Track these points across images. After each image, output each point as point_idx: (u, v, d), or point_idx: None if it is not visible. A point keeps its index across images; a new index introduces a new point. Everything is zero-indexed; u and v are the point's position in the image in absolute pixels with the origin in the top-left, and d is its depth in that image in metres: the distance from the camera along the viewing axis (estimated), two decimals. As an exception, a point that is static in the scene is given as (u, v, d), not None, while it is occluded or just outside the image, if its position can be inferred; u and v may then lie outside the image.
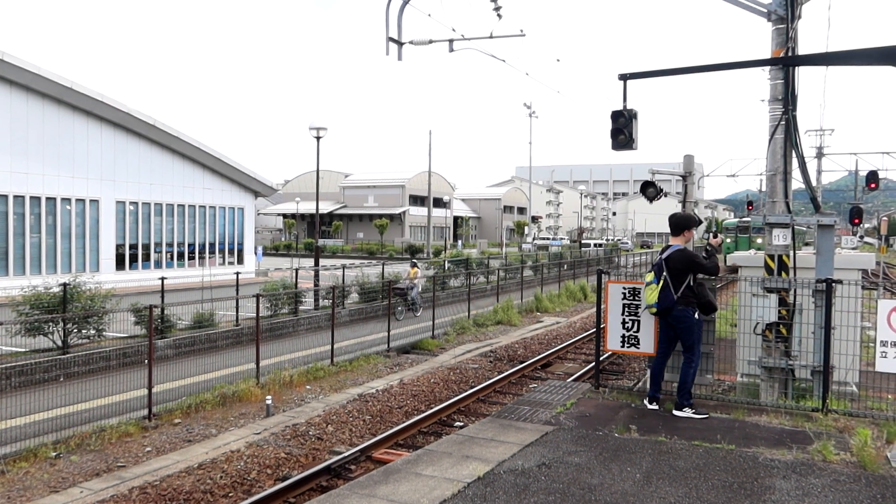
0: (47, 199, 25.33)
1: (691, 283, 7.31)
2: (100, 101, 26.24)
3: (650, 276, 7.62)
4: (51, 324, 13.29)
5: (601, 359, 9.64)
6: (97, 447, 9.08)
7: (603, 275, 8.73)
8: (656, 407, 7.70)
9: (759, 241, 38.19)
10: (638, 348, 8.24)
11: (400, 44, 13.30)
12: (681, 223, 7.63)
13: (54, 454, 8.73)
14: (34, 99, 24.65)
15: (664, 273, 7.34)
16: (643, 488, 5.34)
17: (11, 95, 23.89)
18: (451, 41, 14.37)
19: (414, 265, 22.09)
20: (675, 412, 7.42)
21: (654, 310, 7.51)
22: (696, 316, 7.35)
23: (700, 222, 8.13)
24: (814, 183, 15.14)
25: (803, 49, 8.66)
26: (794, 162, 8.82)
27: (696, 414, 7.35)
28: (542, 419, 7.34)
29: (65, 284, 13.99)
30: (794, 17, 8.44)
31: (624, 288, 8.27)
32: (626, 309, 8.22)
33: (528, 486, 5.40)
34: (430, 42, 14.27)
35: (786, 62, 8.48)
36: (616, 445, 6.40)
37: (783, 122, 8.63)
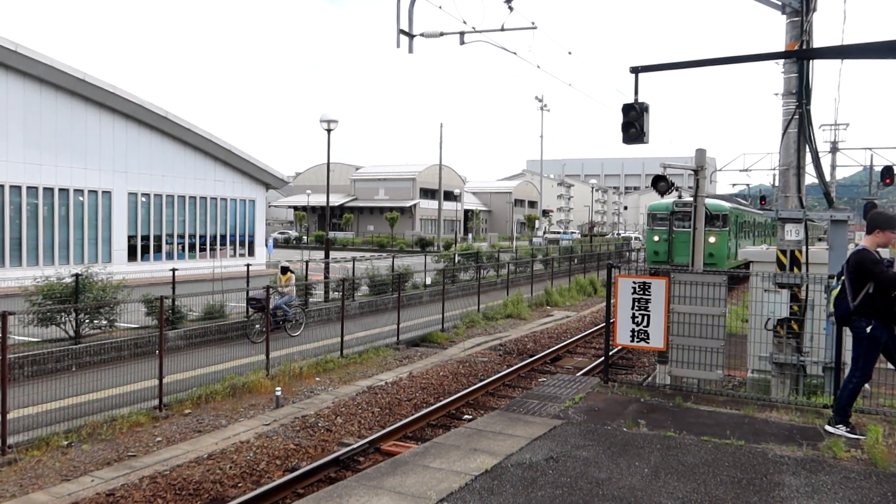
0: (60, 190, 25.50)
1: (870, 291, 6.27)
2: (112, 93, 26.36)
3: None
4: (63, 314, 13.39)
5: (611, 353, 9.61)
6: (108, 436, 9.15)
7: (613, 269, 8.70)
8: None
9: (712, 239, 25.28)
10: (648, 343, 8.21)
11: (411, 36, 13.27)
12: (874, 221, 6.55)
13: (66, 443, 8.81)
14: (47, 91, 24.78)
15: (843, 276, 6.50)
16: (651, 483, 5.32)
17: (25, 87, 24.03)
18: (462, 34, 14.30)
19: (286, 270, 17.09)
20: (827, 427, 6.60)
21: (833, 318, 6.70)
22: (870, 329, 6.27)
23: None
24: (827, 178, 15.00)
25: (818, 42, 8.59)
26: (808, 156, 8.75)
27: (851, 433, 6.39)
28: (550, 413, 7.33)
29: (77, 275, 14.08)
30: (808, 9, 8.35)
31: (634, 282, 8.22)
32: (636, 303, 8.18)
33: (536, 479, 5.39)
34: (441, 34, 14.22)
35: (800, 55, 8.40)
36: (624, 440, 6.39)
37: (797, 116, 8.55)
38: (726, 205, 27.80)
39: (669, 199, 24.42)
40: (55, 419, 9.31)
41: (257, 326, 15.17)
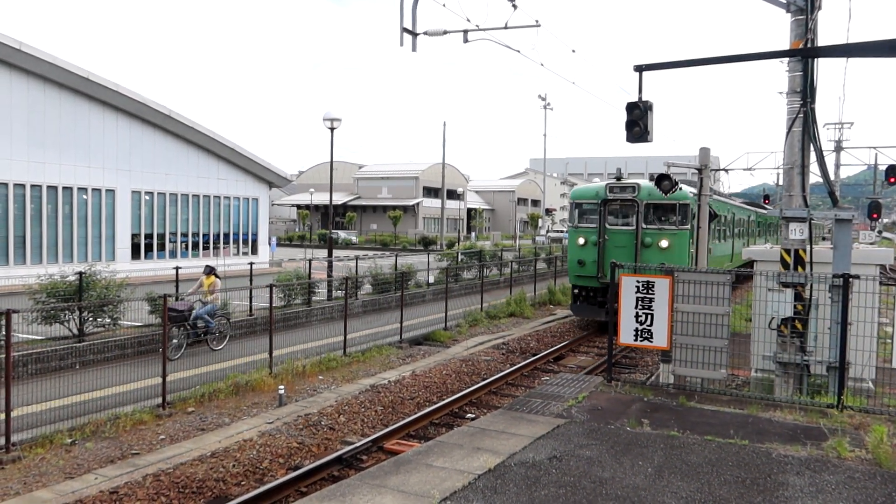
0: (63, 188, 25.53)
1: None
2: (116, 92, 26.39)
3: None
4: (67, 312, 13.42)
5: (614, 352, 9.60)
6: (112, 434, 9.16)
7: (616, 268, 8.68)
8: None
9: (664, 243, 16.52)
10: (651, 342, 8.19)
11: (414, 34, 13.24)
12: None
13: (70, 441, 8.82)
14: (51, 89, 24.81)
15: None
16: (655, 482, 5.31)
17: (29, 85, 24.07)
18: (465, 32, 14.28)
19: (210, 272, 14.54)
20: None
21: None
22: None
23: None
24: (832, 177, 14.93)
25: (823, 41, 8.55)
26: (812, 155, 8.72)
27: None
28: (553, 412, 7.32)
29: (81, 273, 14.10)
30: (813, 7, 8.32)
31: (638, 281, 8.21)
32: (640, 302, 8.17)
33: (539, 478, 5.38)
34: (445, 33, 14.20)
35: (805, 54, 8.37)
36: (628, 439, 6.38)
37: (801, 115, 8.52)
38: (690, 192, 16.51)
39: (601, 182, 18.19)
40: (59, 417, 9.33)
41: (175, 341, 13.01)
